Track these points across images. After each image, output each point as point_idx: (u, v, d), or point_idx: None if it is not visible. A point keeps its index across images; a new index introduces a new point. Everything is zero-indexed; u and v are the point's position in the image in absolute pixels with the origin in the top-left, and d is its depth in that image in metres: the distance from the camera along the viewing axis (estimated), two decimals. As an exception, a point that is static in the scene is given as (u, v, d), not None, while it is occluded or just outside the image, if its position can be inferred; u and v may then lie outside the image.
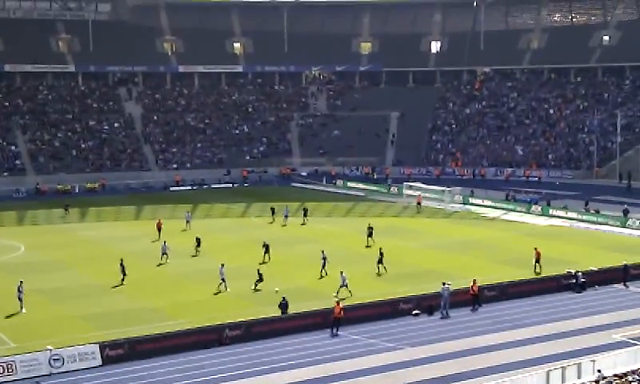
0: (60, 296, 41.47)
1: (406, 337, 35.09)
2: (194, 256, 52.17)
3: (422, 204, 70.47)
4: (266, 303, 38.92)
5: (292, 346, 34.03)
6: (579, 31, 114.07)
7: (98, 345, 32.28)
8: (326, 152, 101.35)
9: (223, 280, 42.90)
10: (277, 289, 41.01)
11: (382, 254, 46.99)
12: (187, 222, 61.85)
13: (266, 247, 49.83)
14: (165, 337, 33.87)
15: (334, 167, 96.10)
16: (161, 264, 49.52)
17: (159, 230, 58.22)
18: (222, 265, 43.50)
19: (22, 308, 39.03)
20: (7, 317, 38.55)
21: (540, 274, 44.98)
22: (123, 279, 44.51)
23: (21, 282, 39.73)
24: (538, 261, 45.87)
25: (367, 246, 53.33)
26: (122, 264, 44.80)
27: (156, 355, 32.58)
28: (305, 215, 63.87)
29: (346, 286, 41.15)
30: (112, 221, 68.28)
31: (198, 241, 53.31)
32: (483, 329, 36.08)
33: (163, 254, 50.00)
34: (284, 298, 37.93)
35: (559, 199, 72.19)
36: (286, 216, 63.78)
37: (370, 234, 54.66)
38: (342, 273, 41.82)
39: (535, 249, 46.70)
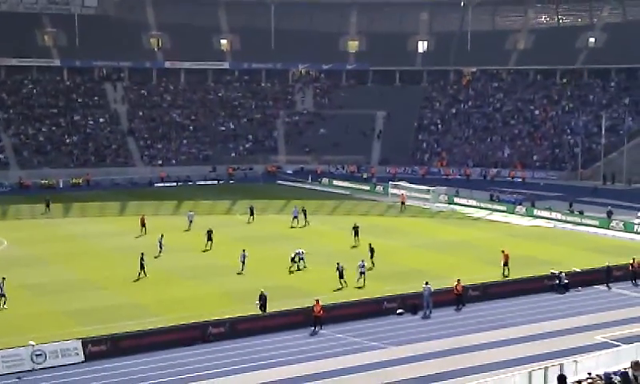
0: (43, 291, 41.27)
1: (389, 336, 35.14)
2: (205, 250, 52.46)
3: (408, 203, 70.61)
4: (250, 301, 38.81)
5: (276, 343, 34.00)
6: (565, 33, 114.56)
7: (80, 341, 32.15)
8: (311, 150, 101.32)
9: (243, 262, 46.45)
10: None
11: (372, 249, 48.02)
12: (190, 221, 60.69)
13: (297, 256, 47.82)
14: (148, 333, 33.76)
15: (319, 165, 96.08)
16: (157, 257, 49.68)
17: (143, 225, 58.11)
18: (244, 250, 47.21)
19: (4, 303, 38.83)
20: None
21: (508, 276, 45.04)
22: (141, 273, 44.62)
23: (3, 278, 39.47)
24: (506, 264, 45.84)
25: (354, 246, 53.32)
26: (142, 259, 44.80)
27: (139, 352, 32.46)
28: (305, 216, 61.81)
29: (363, 273, 43.53)
30: (96, 216, 67.98)
31: (209, 234, 53.36)
32: (467, 328, 36.18)
33: (160, 249, 50.55)
34: (262, 291, 37.81)
35: (543, 200, 72.50)
36: (295, 216, 61.43)
37: (355, 234, 54.64)
38: (362, 260, 44.23)
39: (502, 251, 46.66)
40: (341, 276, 42.78)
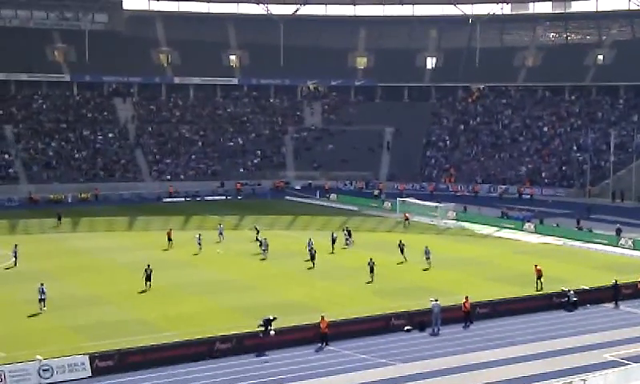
0: (50, 306, 41.26)
1: (397, 352, 35.00)
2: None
3: (415, 219, 70.95)
4: (257, 316, 38.71)
5: (283, 360, 33.90)
6: (574, 50, 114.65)
7: (87, 356, 32.11)
8: (319, 166, 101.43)
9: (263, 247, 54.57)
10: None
11: (402, 245, 54.13)
12: (220, 234, 61.38)
13: (371, 267, 48.02)
14: (155, 349, 33.71)
15: (327, 181, 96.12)
16: (196, 254, 55.74)
17: (169, 239, 58.80)
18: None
19: (43, 307, 40.56)
20: (-3, 326, 38.43)
21: (542, 290, 44.94)
22: (147, 285, 45.18)
23: (41, 283, 41.12)
24: (539, 277, 45.91)
25: (331, 252, 56.51)
26: (150, 271, 45.38)
27: (146, 367, 32.43)
28: (349, 235, 60.79)
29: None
30: (104, 231, 68.12)
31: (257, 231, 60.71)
32: (475, 346, 36.01)
33: (199, 244, 56.78)
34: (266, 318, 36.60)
35: (552, 217, 72.28)
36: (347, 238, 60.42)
37: (332, 242, 58.08)
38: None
39: (535, 266, 46.83)
40: (371, 271, 47.53)
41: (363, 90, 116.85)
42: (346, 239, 60.17)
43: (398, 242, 54.83)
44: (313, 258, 52.09)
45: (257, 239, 58.86)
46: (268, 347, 34.91)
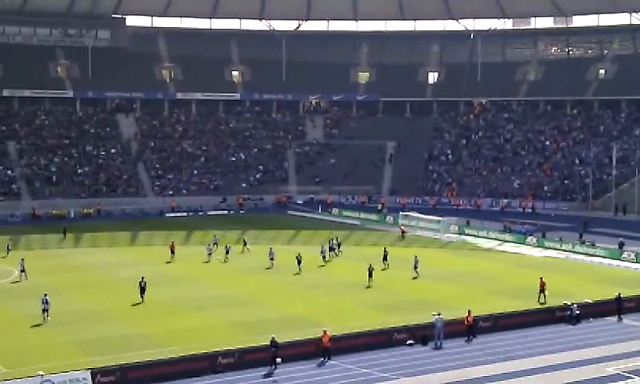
0: (52, 321, 41.26)
1: (400, 367, 34.90)
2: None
3: (419, 234, 71.27)
4: (260, 331, 38.71)
5: (285, 375, 33.81)
6: (576, 64, 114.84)
7: (89, 371, 32.02)
8: (322, 180, 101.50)
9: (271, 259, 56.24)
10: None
11: (386, 253, 56.60)
12: (215, 244, 62.40)
13: (370, 272, 50.61)
14: (157, 364, 33.64)
15: (329, 196, 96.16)
16: (206, 262, 57.90)
17: (172, 252, 59.58)
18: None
19: (46, 317, 41.21)
20: (-1, 341, 38.41)
21: (545, 303, 44.90)
22: (143, 298, 45.75)
23: (45, 294, 41.89)
24: (542, 290, 45.88)
25: (325, 263, 57.77)
26: (144, 283, 46.06)
27: (148, 382, 32.35)
28: (339, 247, 62.03)
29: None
30: (107, 246, 68.14)
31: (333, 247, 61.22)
32: (477, 360, 35.92)
33: (209, 254, 59.02)
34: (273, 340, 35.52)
35: (554, 231, 72.17)
36: (332, 248, 61.01)
37: (330, 249, 60.37)
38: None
39: (540, 279, 46.79)
40: (370, 275, 49.86)
41: (365, 105, 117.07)
42: (333, 249, 61.10)
43: (383, 249, 57.58)
44: (299, 262, 54.34)
45: (226, 251, 60.27)
46: (270, 362, 34.75)
